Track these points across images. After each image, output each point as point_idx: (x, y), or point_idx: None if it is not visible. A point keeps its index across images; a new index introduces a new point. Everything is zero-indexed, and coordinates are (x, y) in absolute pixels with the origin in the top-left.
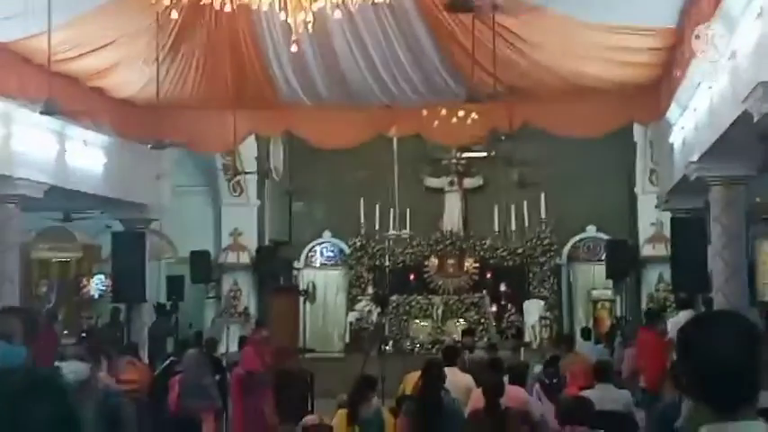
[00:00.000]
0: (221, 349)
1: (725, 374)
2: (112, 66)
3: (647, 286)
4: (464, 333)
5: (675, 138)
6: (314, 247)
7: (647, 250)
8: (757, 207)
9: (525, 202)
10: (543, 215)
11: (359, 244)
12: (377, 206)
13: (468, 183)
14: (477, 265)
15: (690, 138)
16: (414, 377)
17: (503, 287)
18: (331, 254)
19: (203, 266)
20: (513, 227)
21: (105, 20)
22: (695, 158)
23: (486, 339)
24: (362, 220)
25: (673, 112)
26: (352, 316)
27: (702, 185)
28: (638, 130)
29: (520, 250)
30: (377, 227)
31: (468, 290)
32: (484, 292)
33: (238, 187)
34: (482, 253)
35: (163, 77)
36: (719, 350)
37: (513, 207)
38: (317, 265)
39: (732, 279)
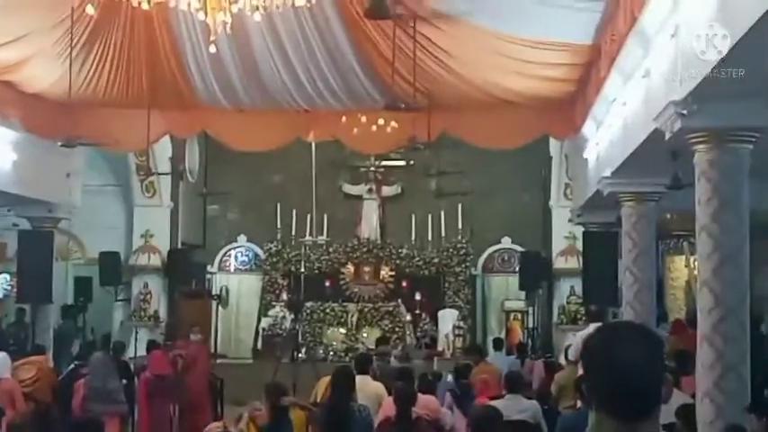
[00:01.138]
0: (129, 353)
1: (627, 386)
2: (24, 60)
3: (559, 298)
4: (378, 341)
5: (590, 153)
6: (228, 251)
7: (559, 263)
8: (667, 223)
9: (442, 212)
10: (460, 225)
11: (274, 249)
12: (293, 211)
13: (387, 191)
14: (393, 273)
15: (603, 153)
16: (325, 383)
17: (418, 296)
18: (245, 258)
19: (113, 268)
20: (430, 236)
21: (18, 13)
22: (608, 174)
23: (400, 348)
24: (278, 225)
25: (588, 128)
26: (265, 322)
27: (614, 200)
28: (554, 143)
29: (436, 260)
30: (293, 232)
31: (383, 298)
32: (399, 300)
33: (151, 188)
34: (398, 261)
35: (76, 74)
36: (622, 360)
37: (430, 216)
38: (231, 269)
39: (641, 293)
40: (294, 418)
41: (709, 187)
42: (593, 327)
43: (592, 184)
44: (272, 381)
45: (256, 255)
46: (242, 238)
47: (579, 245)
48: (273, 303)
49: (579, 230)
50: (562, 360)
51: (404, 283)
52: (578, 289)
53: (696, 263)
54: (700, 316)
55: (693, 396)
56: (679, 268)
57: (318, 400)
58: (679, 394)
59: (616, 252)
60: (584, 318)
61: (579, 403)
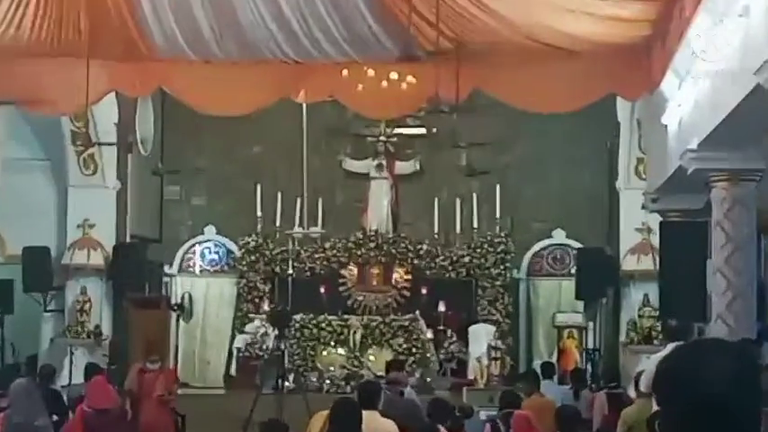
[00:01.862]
0: (62, 380)
1: (713, 424)
2: None
3: (628, 310)
4: (389, 366)
5: (670, 118)
6: (192, 246)
7: (629, 263)
8: None
9: (474, 196)
10: (498, 214)
11: (253, 244)
12: (278, 195)
13: (401, 168)
14: (409, 276)
15: (688, 118)
16: (321, 421)
17: (442, 307)
18: (215, 257)
19: (41, 268)
20: (458, 228)
21: None
22: (694, 146)
23: (418, 375)
24: (258, 213)
25: (668, 84)
26: (241, 340)
27: (703, 181)
28: (622, 106)
29: (466, 259)
30: (277, 222)
31: (396, 309)
32: (417, 312)
33: (92, 163)
34: (416, 261)
35: None
36: (707, 391)
37: (458, 202)
38: (197, 271)
39: (737, 303)
40: None
41: None
42: (671, 348)
43: (673, 159)
44: (272, 418)
45: (229, 252)
46: (210, 230)
47: (655, 239)
48: (252, 316)
49: (655, 220)
50: (632, 392)
51: (423, 290)
52: (654, 298)
53: None
54: None
55: None
56: None
57: None
58: None
59: (704, 249)
60: (660, 336)
61: None
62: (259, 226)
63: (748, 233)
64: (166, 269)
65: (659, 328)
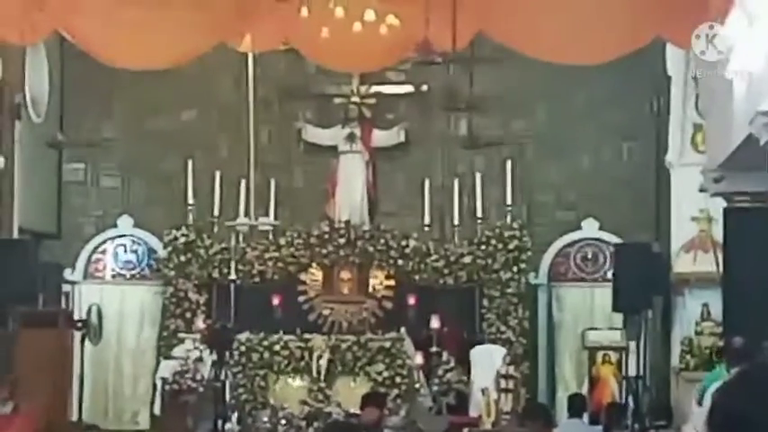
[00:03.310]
0: None
1: None
2: None
3: (683, 325)
4: (365, 402)
5: (737, 71)
6: (102, 244)
7: (683, 264)
8: None
9: (478, 176)
10: (509, 200)
11: (182, 241)
12: (217, 175)
13: (380, 138)
14: (391, 282)
15: (762, 72)
16: None
17: (435, 323)
18: (132, 257)
19: None
20: (456, 218)
21: None
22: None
23: (403, 413)
24: (190, 200)
25: (733, 26)
26: (168, 368)
27: None
28: (673, 55)
29: (467, 259)
30: (215, 211)
31: (374, 326)
32: (402, 330)
33: None
34: (401, 262)
35: None
36: None
37: (456, 183)
38: (107, 276)
39: None
40: None
41: None
42: (734, 375)
43: (740, 126)
44: None
45: (151, 251)
46: (125, 222)
47: (718, 232)
48: (182, 335)
49: (718, 207)
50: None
51: (411, 300)
52: (716, 309)
53: None
54: None
55: None
56: None
57: None
58: None
59: None
60: (722, 360)
61: None
62: (190, 216)
63: None
64: (67, 274)
65: (721, 350)
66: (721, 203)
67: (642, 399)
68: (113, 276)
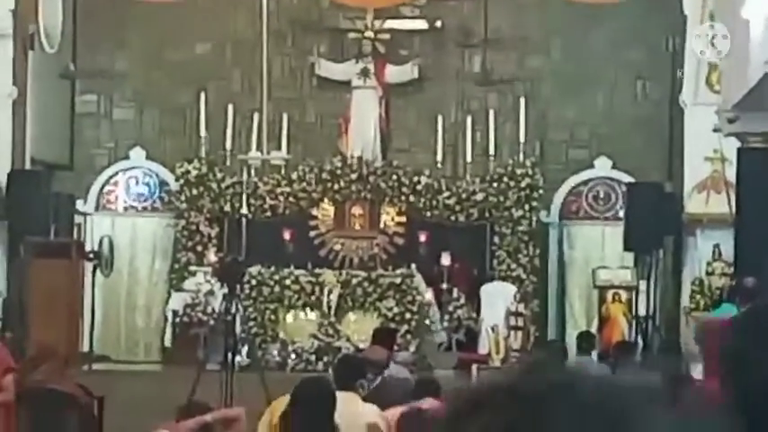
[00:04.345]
0: None
1: None
2: None
3: (693, 266)
4: (375, 336)
5: (754, 9)
6: (114, 176)
7: (696, 204)
8: None
9: (491, 113)
10: (522, 137)
11: (194, 174)
12: (229, 108)
13: (394, 74)
14: (402, 219)
15: None
16: (282, 407)
17: (446, 260)
18: (144, 190)
19: None
20: (469, 155)
21: None
22: None
23: (412, 349)
24: (202, 132)
25: None
26: (179, 300)
27: None
28: None
29: (478, 197)
30: (228, 144)
31: (385, 262)
32: (413, 266)
33: None
34: (412, 199)
35: None
36: None
37: (469, 120)
38: (119, 208)
39: None
40: None
41: None
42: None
43: (757, 65)
44: (189, 400)
45: (163, 183)
46: (138, 154)
47: (731, 172)
48: (193, 269)
49: (732, 147)
50: (698, 373)
51: (422, 237)
52: (728, 250)
53: None
54: None
55: None
56: None
57: None
58: None
59: None
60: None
61: None
62: (203, 149)
63: None
64: (79, 206)
65: (732, 290)
66: (735, 144)
67: (652, 338)
68: (125, 208)
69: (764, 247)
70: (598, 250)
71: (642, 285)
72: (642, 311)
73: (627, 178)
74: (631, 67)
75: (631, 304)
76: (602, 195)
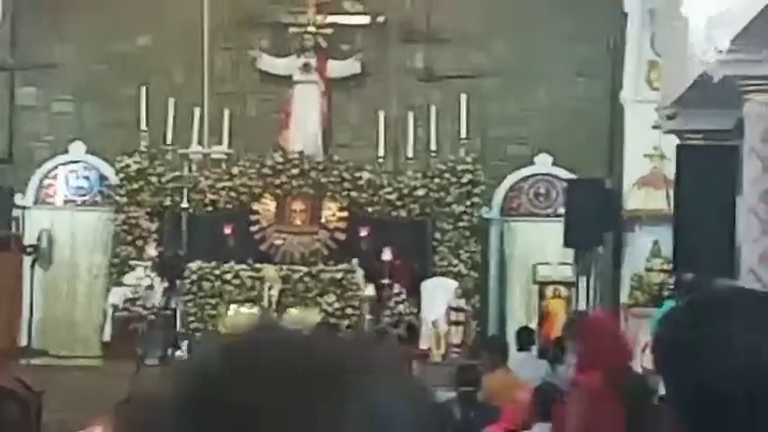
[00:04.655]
0: None
1: (739, 400)
2: None
3: (632, 261)
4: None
5: (693, 7)
6: (53, 169)
7: (635, 200)
8: None
9: (433, 109)
10: (463, 133)
11: (135, 168)
12: (170, 102)
13: (336, 69)
14: (344, 214)
15: (717, 8)
16: None
17: (387, 255)
18: (84, 183)
19: None
20: (411, 151)
21: None
22: (723, 45)
23: None
24: (143, 126)
25: None
26: (119, 295)
27: (733, 92)
28: None
29: (420, 192)
30: (168, 139)
31: (326, 257)
32: (354, 261)
33: None
34: (354, 194)
35: None
36: (731, 354)
37: (410, 117)
38: (59, 202)
39: None
40: None
41: None
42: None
43: (695, 63)
44: (129, 395)
45: (103, 177)
46: (78, 148)
47: (670, 169)
48: (133, 263)
49: (671, 144)
50: (638, 368)
51: (363, 232)
52: (667, 246)
53: None
54: None
55: None
56: None
57: None
58: None
59: (734, 182)
60: (673, 295)
61: None
62: (144, 143)
63: None
64: (18, 199)
65: (672, 286)
66: (674, 140)
67: None
68: (65, 202)
69: (702, 243)
70: (538, 246)
71: (582, 281)
72: (582, 307)
73: (567, 175)
74: (572, 64)
75: (571, 300)
76: (542, 192)
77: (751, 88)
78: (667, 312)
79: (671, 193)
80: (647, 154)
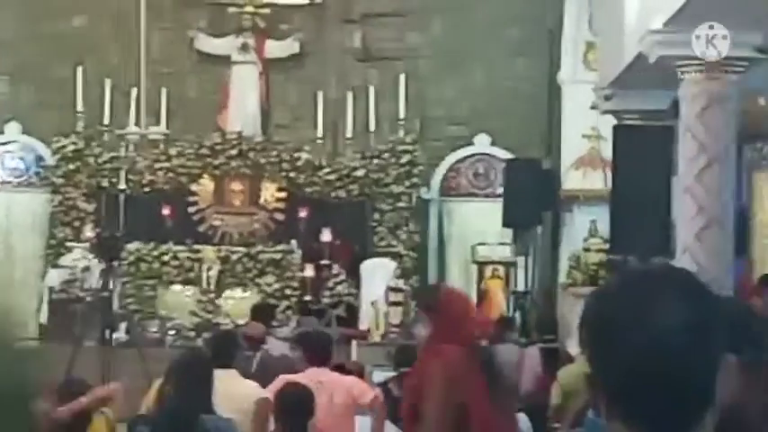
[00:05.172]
0: None
1: (655, 375)
2: None
3: (570, 241)
4: (255, 312)
5: None
6: None
7: (573, 180)
8: (758, 115)
9: (372, 89)
10: (402, 114)
11: (71, 148)
12: (107, 82)
13: (274, 49)
14: (282, 195)
15: None
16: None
17: (326, 236)
18: (20, 164)
19: None
20: (350, 131)
21: None
22: (658, 25)
23: (292, 324)
24: (79, 107)
25: None
26: (55, 276)
27: (669, 72)
28: None
29: (359, 173)
30: (105, 119)
31: (265, 238)
32: (293, 242)
33: None
34: (293, 175)
35: None
36: (647, 333)
37: (349, 97)
38: None
39: (710, 233)
40: (95, 429)
41: None
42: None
43: (631, 44)
44: (67, 377)
45: (39, 158)
46: (13, 129)
47: (607, 149)
48: (70, 244)
49: (608, 124)
50: (573, 347)
51: (302, 213)
52: (604, 226)
53: None
54: None
55: None
56: None
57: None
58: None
59: (670, 162)
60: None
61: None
62: (80, 124)
63: (726, 143)
64: None
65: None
66: (611, 121)
67: (529, 312)
68: (0, 183)
69: (638, 223)
70: (477, 226)
71: (520, 261)
72: (520, 287)
73: (506, 155)
74: (510, 45)
75: (509, 280)
76: (481, 172)
77: (685, 68)
78: (593, 291)
79: (608, 173)
80: (584, 134)
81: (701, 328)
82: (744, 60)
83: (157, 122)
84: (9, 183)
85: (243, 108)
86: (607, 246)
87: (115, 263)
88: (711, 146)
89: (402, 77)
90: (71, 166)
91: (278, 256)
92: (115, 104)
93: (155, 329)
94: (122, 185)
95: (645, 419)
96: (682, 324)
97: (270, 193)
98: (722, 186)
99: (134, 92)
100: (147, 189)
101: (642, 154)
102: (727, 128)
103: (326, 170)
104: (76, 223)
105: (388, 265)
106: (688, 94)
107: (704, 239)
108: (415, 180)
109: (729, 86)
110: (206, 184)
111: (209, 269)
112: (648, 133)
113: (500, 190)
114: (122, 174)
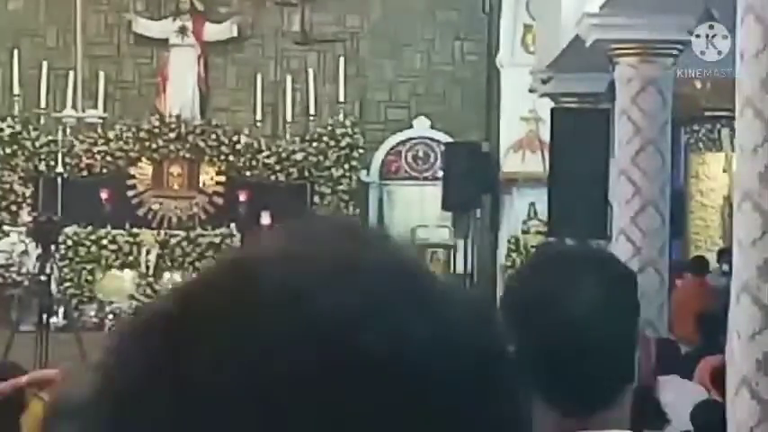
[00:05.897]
0: None
1: (569, 352)
2: None
3: (510, 224)
4: None
5: None
6: None
7: (512, 163)
8: (694, 97)
9: (311, 72)
10: (341, 97)
11: (8, 132)
12: (43, 65)
13: (212, 32)
14: (221, 178)
15: None
16: None
17: (266, 219)
18: None
19: None
20: (289, 114)
21: None
22: (594, 8)
23: None
24: (16, 90)
25: None
26: None
27: (605, 55)
28: None
29: (298, 156)
30: (42, 103)
31: (204, 222)
32: (233, 226)
33: None
34: (232, 158)
35: None
36: (559, 310)
37: (288, 80)
38: None
39: (646, 215)
40: (31, 414)
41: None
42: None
43: (568, 27)
44: (3, 362)
45: None
46: None
47: (545, 131)
48: (7, 228)
49: (546, 107)
50: None
51: (241, 197)
52: (543, 208)
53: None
54: None
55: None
56: (714, 174)
57: None
58: (688, 385)
59: (607, 145)
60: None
61: None
62: (16, 107)
63: (662, 124)
64: None
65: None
66: (549, 104)
67: None
68: None
69: (576, 205)
70: (417, 210)
71: (460, 244)
72: (460, 269)
73: (445, 138)
74: (449, 28)
75: (449, 262)
76: (420, 155)
77: (621, 52)
78: (510, 274)
79: (546, 155)
80: (523, 117)
81: (614, 306)
82: (678, 44)
83: (95, 106)
84: None
85: (181, 91)
86: (546, 228)
87: (53, 247)
88: (647, 128)
89: (341, 60)
90: (8, 150)
91: (217, 239)
92: (52, 88)
93: (93, 313)
94: (60, 169)
95: (564, 397)
96: (594, 301)
97: (209, 176)
98: (658, 169)
99: (71, 75)
100: (84, 173)
101: (580, 137)
102: (662, 110)
103: (266, 153)
104: (13, 207)
105: None
106: (623, 78)
107: (640, 221)
108: (354, 163)
109: (663, 70)
110: (144, 168)
111: (147, 253)
112: (586, 116)
113: (440, 173)
114: (60, 157)
